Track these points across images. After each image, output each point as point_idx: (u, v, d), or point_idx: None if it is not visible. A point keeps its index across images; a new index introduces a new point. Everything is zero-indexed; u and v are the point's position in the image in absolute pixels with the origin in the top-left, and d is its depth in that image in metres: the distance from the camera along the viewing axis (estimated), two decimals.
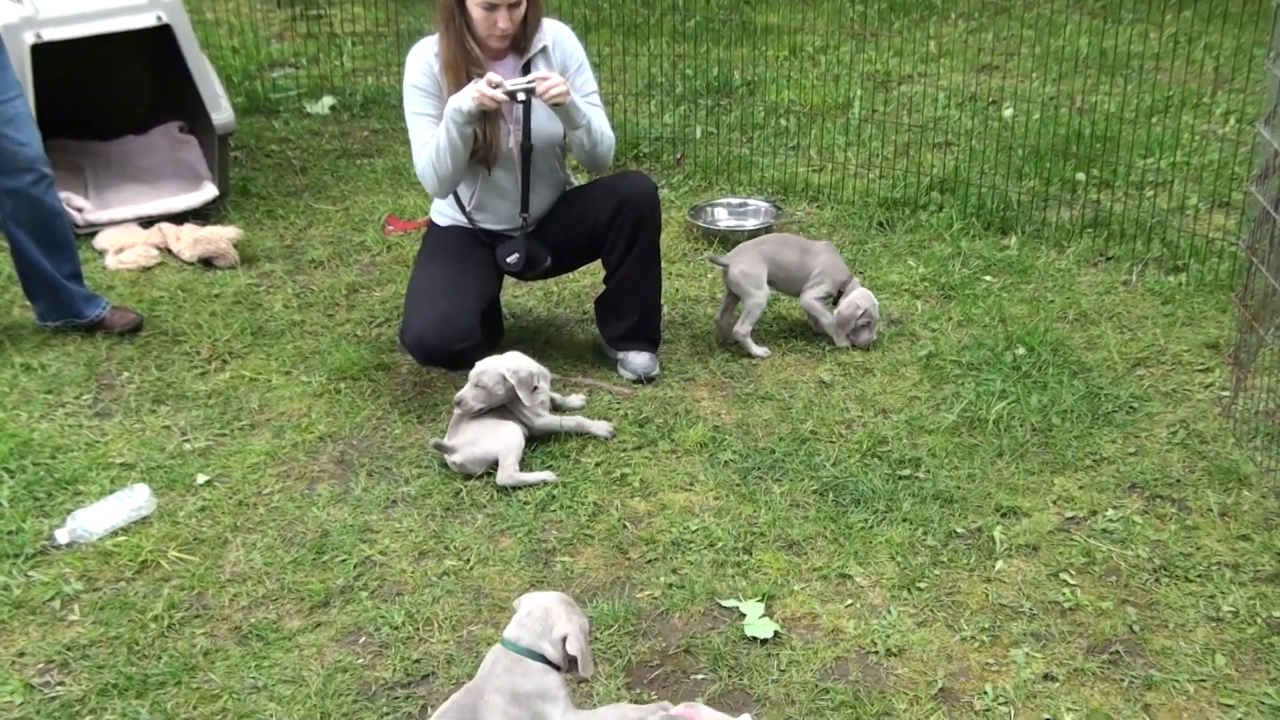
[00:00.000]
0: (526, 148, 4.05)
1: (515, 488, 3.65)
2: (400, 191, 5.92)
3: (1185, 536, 3.41)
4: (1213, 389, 4.13)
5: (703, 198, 5.81)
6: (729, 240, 5.28)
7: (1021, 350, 4.35)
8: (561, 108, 3.91)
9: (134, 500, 3.55)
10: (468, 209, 4.20)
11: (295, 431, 3.96)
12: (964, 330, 4.56)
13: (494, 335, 4.41)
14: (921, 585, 3.24)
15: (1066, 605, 3.16)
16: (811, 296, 4.45)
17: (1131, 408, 4.02)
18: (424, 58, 4.02)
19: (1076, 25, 7.51)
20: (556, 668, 2.58)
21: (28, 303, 4.61)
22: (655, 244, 4.24)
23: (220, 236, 5.18)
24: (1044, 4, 7.95)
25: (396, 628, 3.11)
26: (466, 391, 3.77)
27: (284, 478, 3.74)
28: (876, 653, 3.02)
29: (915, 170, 5.81)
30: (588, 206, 4.21)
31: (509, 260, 4.18)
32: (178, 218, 5.42)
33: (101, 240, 5.26)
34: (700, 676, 2.96)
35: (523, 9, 3.92)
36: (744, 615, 3.13)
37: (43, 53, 5.07)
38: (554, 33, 4.09)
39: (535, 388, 3.83)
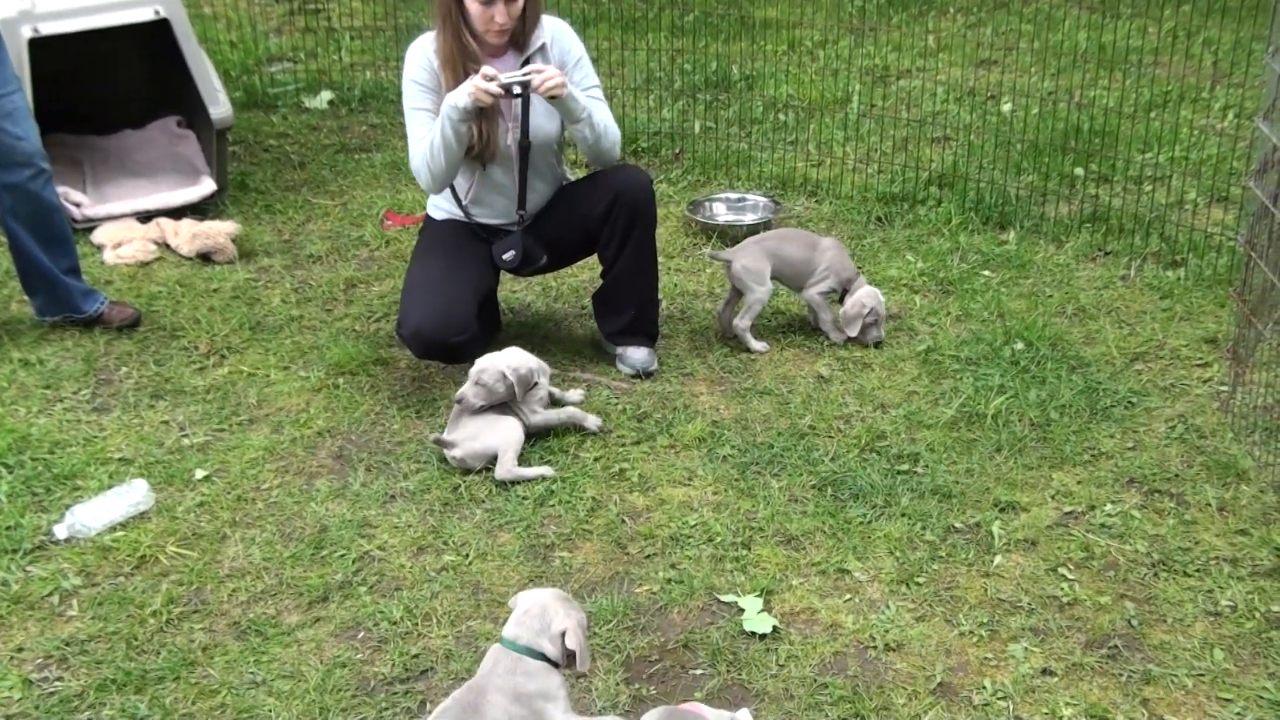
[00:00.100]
0: (525, 145, 4.04)
1: (513, 483, 3.65)
2: (398, 186, 5.91)
3: (1184, 531, 3.42)
4: (1211, 384, 4.14)
5: (701, 193, 5.80)
6: (727, 235, 5.28)
7: (1020, 345, 4.35)
8: (560, 101, 3.90)
9: (132, 495, 3.55)
10: (464, 203, 4.19)
11: (294, 426, 3.96)
12: (962, 325, 4.56)
13: (492, 330, 4.41)
14: (920, 580, 3.24)
15: (1065, 600, 3.17)
16: (814, 291, 4.45)
17: (1130, 403, 4.03)
18: (424, 53, 4.01)
19: (1075, 20, 7.51)
20: (556, 665, 2.59)
21: (26, 298, 4.60)
22: (651, 238, 4.23)
23: (218, 231, 5.17)
24: None
25: (395, 623, 3.11)
26: (467, 389, 3.76)
27: (282, 473, 3.74)
28: (875, 648, 3.02)
29: (914, 165, 5.80)
30: (582, 201, 4.20)
31: (505, 258, 4.17)
32: (176, 212, 5.42)
33: (99, 235, 5.25)
34: (699, 671, 2.96)
35: (520, 3, 3.90)
36: (743, 610, 3.13)
37: (41, 47, 5.06)
38: (552, 29, 4.08)
39: (535, 384, 3.83)
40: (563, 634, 2.57)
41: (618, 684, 2.91)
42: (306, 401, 4.11)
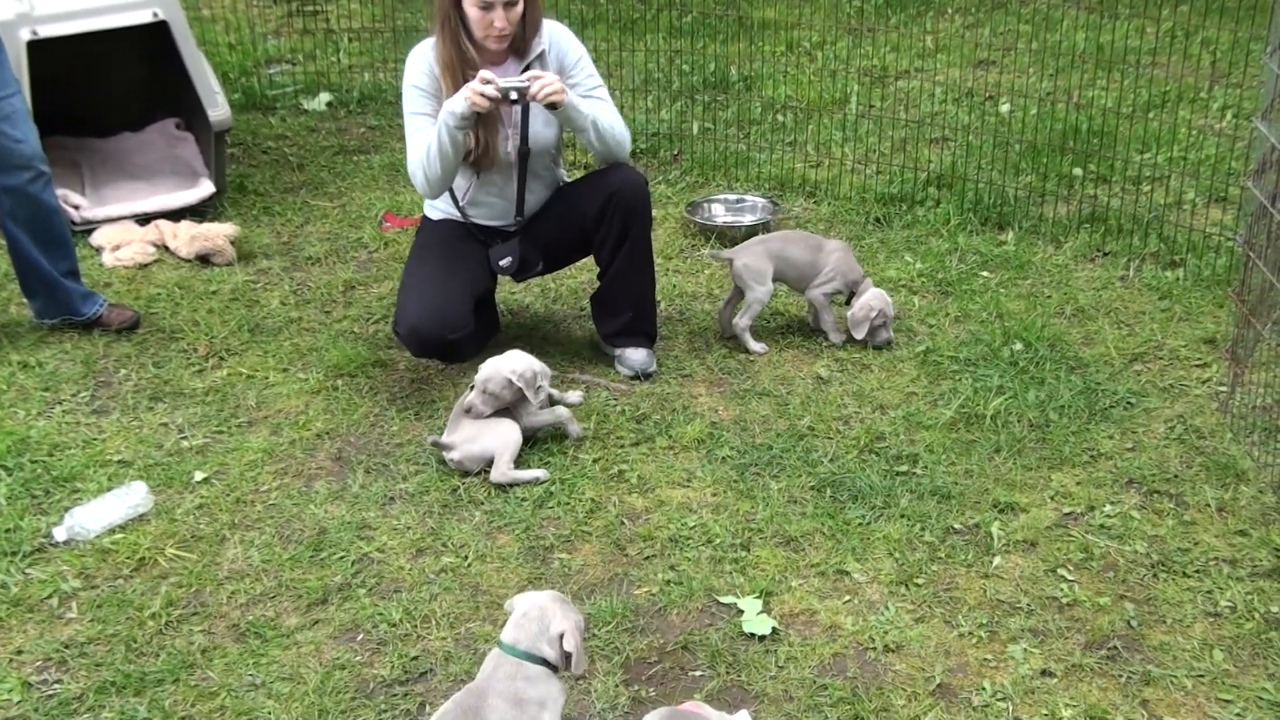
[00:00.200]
0: (524, 152, 4.03)
1: (509, 485, 3.65)
2: (397, 188, 5.91)
3: (1183, 532, 3.42)
4: (1210, 384, 4.14)
5: (700, 193, 5.80)
6: (726, 236, 5.28)
7: (1019, 346, 4.35)
8: (560, 111, 3.87)
9: (131, 498, 3.55)
10: (461, 204, 4.19)
11: (293, 429, 3.96)
12: (961, 326, 4.56)
13: (490, 331, 4.41)
14: (919, 581, 3.24)
15: (1064, 601, 3.17)
16: (819, 292, 4.44)
17: (1129, 403, 4.03)
18: (425, 58, 4.00)
19: (1073, 20, 7.50)
20: (555, 669, 2.58)
21: (25, 300, 4.60)
22: (646, 238, 4.22)
23: (217, 233, 5.17)
24: None
25: (394, 625, 3.11)
26: (475, 398, 3.75)
27: (281, 475, 3.74)
28: (874, 649, 3.02)
29: (912, 166, 5.81)
30: (577, 202, 4.19)
31: (502, 263, 4.17)
32: (175, 215, 5.42)
33: (98, 237, 5.25)
34: (698, 673, 2.96)
35: (520, 8, 3.88)
36: (742, 612, 3.13)
37: (39, 49, 5.06)
38: (550, 33, 4.06)
39: (539, 386, 3.83)
40: (560, 636, 2.57)
41: (617, 686, 2.91)
42: (305, 403, 4.11)
